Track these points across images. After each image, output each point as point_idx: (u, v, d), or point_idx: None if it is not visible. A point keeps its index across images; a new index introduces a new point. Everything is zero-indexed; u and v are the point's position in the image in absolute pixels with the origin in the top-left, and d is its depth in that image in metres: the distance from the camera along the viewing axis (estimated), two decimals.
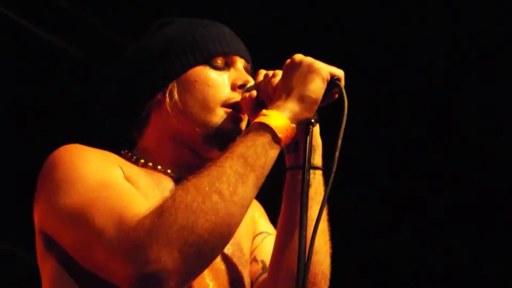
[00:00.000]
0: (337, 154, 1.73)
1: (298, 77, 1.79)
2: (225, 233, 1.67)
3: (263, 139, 1.73)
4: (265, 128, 1.74)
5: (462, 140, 4.59)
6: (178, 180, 1.90)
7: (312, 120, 1.80)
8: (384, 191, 4.76)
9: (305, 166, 1.77)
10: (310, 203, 1.76)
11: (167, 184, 1.91)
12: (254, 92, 1.89)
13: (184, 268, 1.62)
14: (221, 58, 1.98)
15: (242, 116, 1.95)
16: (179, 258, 1.61)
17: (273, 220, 2.00)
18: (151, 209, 1.65)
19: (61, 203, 1.73)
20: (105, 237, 1.66)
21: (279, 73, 1.85)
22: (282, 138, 1.74)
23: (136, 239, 1.62)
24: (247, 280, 1.94)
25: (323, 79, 1.79)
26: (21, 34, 3.78)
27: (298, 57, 1.82)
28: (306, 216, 1.73)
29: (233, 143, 1.74)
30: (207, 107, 1.93)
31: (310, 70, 1.79)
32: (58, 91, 3.94)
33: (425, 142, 4.65)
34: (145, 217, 1.64)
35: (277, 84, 1.83)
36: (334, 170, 1.73)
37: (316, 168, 1.88)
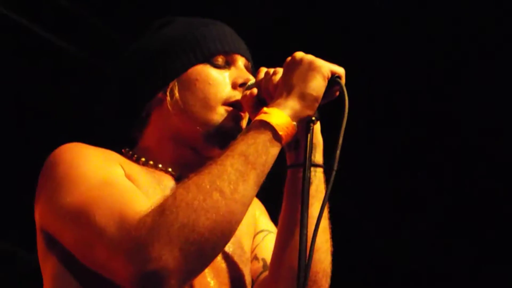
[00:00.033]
0: (338, 152, 1.73)
1: (299, 74, 1.79)
2: (226, 231, 1.66)
3: (264, 137, 1.73)
4: (266, 126, 1.74)
5: (462, 140, 4.59)
6: (179, 178, 1.90)
7: (313, 118, 1.80)
8: (384, 191, 4.76)
9: (306, 164, 1.77)
10: (311, 201, 1.76)
11: (168, 182, 1.91)
12: (255, 90, 1.89)
13: (185, 266, 1.62)
14: (221, 56, 1.98)
15: (243, 114, 1.95)
16: (180, 256, 1.61)
17: (274, 218, 2.00)
18: (152, 208, 1.65)
19: (62, 201, 1.74)
20: (106, 236, 1.65)
21: (280, 71, 1.85)
22: (283, 136, 1.74)
23: (137, 238, 1.62)
24: (248, 278, 1.94)
25: (323, 76, 1.79)
26: (21, 34, 3.78)
27: (299, 55, 1.83)
28: (307, 214, 1.72)
29: (234, 141, 1.74)
30: (208, 106, 1.93)
31: (311, 67, 1.79)
32: (59, 91, 3.94)
33: (425, 142, 4.65)
34: (146, 215, 1.64)
35: (278, 82, 1.83)
36: (335, 168, 1.73)
37: (317, 165, 1.88)
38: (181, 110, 1.94)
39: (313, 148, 1.84)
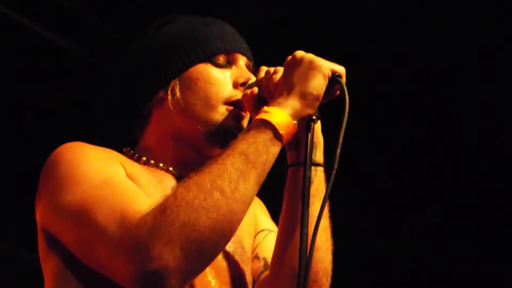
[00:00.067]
0: (338, 151, 1.73)
1: (300, 73, 1.79)
2: (227, 230, 1.66)
3: (265, 136, 1.73)
4: (267, 125, 1.74)
5: (462, 140, 4.59)
6: (180, 177, 1.90)
7: (314, 117, 1.80)
8: (384, 191, 4.76)
9: (306, 163, 1.77)
10: (312, 200, 1.76)
11: (169, 181, 1.91)
12: (256, 89, 1.89)
13: (186, 266, 1.62)
14: (223, 55, 1.98)
15: (244, 113, 1.95)
16: (181, 255, 1.61)
17: (275, 217, 2.00)
18: (153, 207, 1.65)
19: (63, 201, 1.74)
20: (107, 235, 1.65)
21: (281, 70, 1.85)
22: (284, 135, 1.74)
23: (138, 237, 1.62)
24: (249, 278, 1.94)
25: (324, 75, 1.79)
26: (21, 33, 3.78)
27: (299, 53, 1.83)
28: (308, 213, 1.72)
29: (234, 140, 1.74)
30: (209, 105, 1.93)
31: (312, 66, 1.79)
32: (59, 90, 3.94)
33: (425, 142, 4.65)
34: (147, 214, 1.64)
35: (279, 80, 1.83)
36: (335, 167, 1.73)
37: (317, 164, 1.88)
38: (182, 109, 1.94)
39: (314, 147, 1.84)
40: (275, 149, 1.74)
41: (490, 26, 4.17)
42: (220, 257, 1.87)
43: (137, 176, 1.84)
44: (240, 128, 1.92)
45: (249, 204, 1.71)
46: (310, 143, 1.78)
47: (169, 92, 1.95)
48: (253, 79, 1.94)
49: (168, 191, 1.76)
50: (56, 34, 3.85)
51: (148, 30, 2.06)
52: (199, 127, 1.93)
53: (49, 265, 1.82)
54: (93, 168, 1.77)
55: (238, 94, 1.94)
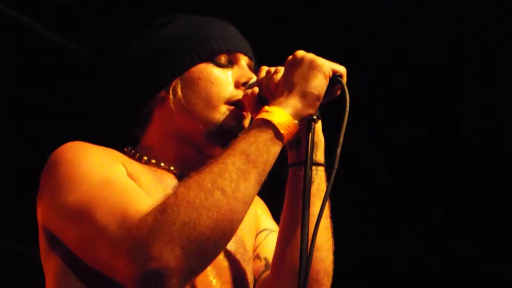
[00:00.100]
0: (338, 150, 1.73)
1: (300, 73, 1.79)
2: (227, 230, 1.66)
3: (265, 136, 1.73)
4: (267, 124, 1.74)
5: (462, 140, 4.59)
6: (181, 177, 1.90)
7: (314, 117, 1.80)
8: (384, 191, 4.76)
9: (307, 163, 1.77)
10: (312, 199, 1.76)
11: (170, 181, 1.92)
12: (256, 89, 1.89)
13: (187, 265, 1.62)
14: (224, 55, 1.99)
15: (245, 113, 1.95)
16: (182, 255, 1.61)
17: (276, 217, 2.01)
18: (154, 206, 1.65)
19: (64, 200, 1.74)
20: (108, 234, 1.66)
21: (281, 70, 1.85)
22: (284, 135, 1.74)
23: (139, 236, 1.62)
24: (250, 277, 1.94)
25: (325, 75, 1.79)
26: (22, 32, 3.78)
27: (300, 53, 1.83)
28: (308, 213, 1.73)
29: (235, 139, 1.74)
30: (210, 104, 1.93)
31: (312, 66, 1.79)
32: (60, 89, 3.94)
33: (425, 142, 4.65)
34: (148, 214, 1.64)
35: (279, 80, 1.83)
36: (336, 166, 1.73)
37: (318, 164, 1.88)
38: (184, 108, 1.94)
39: (315, 147, 1.85)
40: (276, 149, 1.74)
41: (490, 26, 4.17)
42: (221, 256, 1.87)
43: (138, 176, 1.84)
44: (241, 128, 1.92)
45: (250, 203, 1.71)
46: (310, 142, 1.78)
47: (170, 92, 1.95)
48: (254, 78, 1.94)
49: (169, 190, 1.76)
50: (56, 33, 3.85)
51: (149, 30, 2.06)
52: (200, 126, 1.93)
53: (50, 265, 1.82)
54: (94, 168, 1.77)
55: (239, 94, 1.95)
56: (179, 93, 1.95)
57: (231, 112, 1.94)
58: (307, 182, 1.75)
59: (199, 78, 1.95)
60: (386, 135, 4.60)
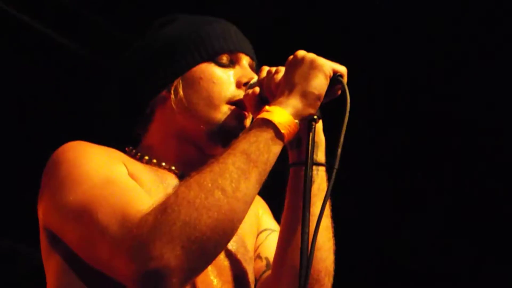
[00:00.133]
0: (339, 150, 1.73)
1: (301, 73, 1.79)
2: (228, 229, 1.66)
3: (266, 135, 1.73)
4: (268, 124, 1.74)
5: (462, 140, 4.59)
6: (182, 177, 1.89)
7: (315, 117, 1.80)
8: (384, 191, 4.76)
9: (308, 163, 1.77)
10: (313, 199, 1.76)
11: (171, 181, 1.92)
12: (257, 89, 1.89)
13: (187, 265, 1.62)
14: (226, 55, 1.99)
15: (247, 113, 1.95)
16: (182, 254, 1.61)
17: (277, 217, 2.00)
18: (154, 206, 1.66)
19: (65, 200, 1.74)
20: (109, 234, 1.66)
21: (282, 70, 1.85)
22: (285, 134, 1.74)
23: (139, 236, 1.62)
24: (251, 277, 1.94)
25: (325, 75, 1.79)
26: (22, 31, 3.77)
27: (301, 53, 1.83)
28: (309, 213, 1.72)
29: (236, 139, 1.74)
30: (212, 104, 1.93)
31: (313, 66, 1.79)
32: (61, 89, 3.94)
33: (425, 142, 4.65)
34: (148, 213, 1.64)
35: (280, 80, 1.83)
36: (336, 166, 1.73)
37: (319, 164, 1.88)
38: (185, 108, 1.94)
39: (315, 147, 1.85)
40: (276, 148, 1.74)
41: (490, 26, 4.17)
42: (222, 256, 1.87)
43: (139, 175, 1.84)
44: (242, 128, 1.92)
45: (250, 203, 1.71)
46: (311, 142, 1.78)
47: (172, 91, 1.95)
48: (255, 78, 1.94)
49: (170, 190, 1.75)
50: (56, 32, 3.85)
51: (150, 29, 2.06)
52: (201, 126, 1.93)
53: (51, 264, 1.83)
54: (94, 168, 1.77)
55: (241, 94, 1.95)
56: (181, 92, 1.95)
57: (233, 112, 1.94)
58: (308, 182, 1.75)
59: (201, 78, 1.95)
60: (386, 135, 4.60)
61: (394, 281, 5.04)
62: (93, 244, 1.68)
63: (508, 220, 4.76)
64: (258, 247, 2.03)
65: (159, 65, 1.98)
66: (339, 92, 1.83)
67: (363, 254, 4.81)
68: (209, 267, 1.79)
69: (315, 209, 1.75)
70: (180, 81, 1.96)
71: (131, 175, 1.81)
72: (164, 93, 1.97)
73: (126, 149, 2.00)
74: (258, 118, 1.76)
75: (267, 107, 1.77)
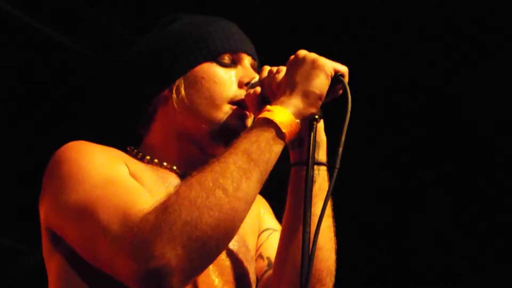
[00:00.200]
0: (340, 150, 1.73)
1: (302, 73, 1.79)
2: (229, 228, 1.66)
3: (267, 135, 1.73)
4: (269, 123, 1.74)
5: (462, 140, 4.59)
6: (183, 176, 1.89)
7: (316, 116, 1.80)
8: (384, 191, 4.77)
9: (309, 162, 1.76)
10: (315, 199, 1.76)
11: (173, 180, 1.91)
12: (258, 89, 1.89)
13: (188, 264, 1.62)
14: (228, 55, 1.99)
15: (248, 113, 1.95)
16: (183, 253, 1.61)
17: (278, 216, 2.00)
18: (155, 205, 1.65)
19: (67, 200, 1.74)
20: (110, 233, 1.66)
21: (283, 69, 1.85)
22: (286, 134, 1.74)
23: (140, 235, 1.62)
24: (252, 277, 1.94)
25: (327, 75, 1.79)
26: (21, 29, 3.77)
27: (302, 53, 1.83)
28: (310, 213, 1.72)
29: (237, 138, 1.74)
30: (214, 104, 1.93)
31: (314, 66, 1.79)
32: (62, 88, 3.93)
33: (425, 142, 4.65)
34: (149, 213, 1.64)
35: (281, 80, 1.83)
36: (337, 166, 1.73)
37: (320, 164, 1.88)
38: (187, 108, 1.94)
39: (317, 146, 1.84)
40: (277, 148, 1.74)
41: (490, 26, 4.17)
42: (223, 256, 1.87)
43: (141, 175, 1.84)
44: (244, 127, 1.91)
45: (252, 202, 1.70)
46: (312, 142, 1.78)
47: (173, 91, 1.95)
48: (256, 78, 1.94)
49: (172, 190, 1.75)
50: (56, 31, 3.85)
51: (152, 29, 2.06)
52: (203, 126, 1.93)
53: (53, 264, 1.82)
54: (96, 167, 1.77)
55: (242, 94, 1.95)
56: (183, 92, 1.95)
57: (234, 111, 1.94)
58: (309, 181, 1.74)
59: (203, 78, 1.95)
60: (387, 134, 4.60)
61: (394, 281, 5.04)
62: (94, 244, 1.68)
63: (508, 220, 4.76)
64: (259, 246, 2.03)
65: (160, 64, 1.98)
66: (340, 91, 1.83)
67: (364, 254, 4.81)
68: (210, 267, 1.79)
69: (317, 208, 1.75)
70: (182, 81, 1.96)
71: (133, 175, 1.81)
72: (165, 92, 1.97)
73: (128, 148, 2.00)
74: (259, 118, 1.76)
75: (268, 107, 1.77)
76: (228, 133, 1.90)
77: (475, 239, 4.85)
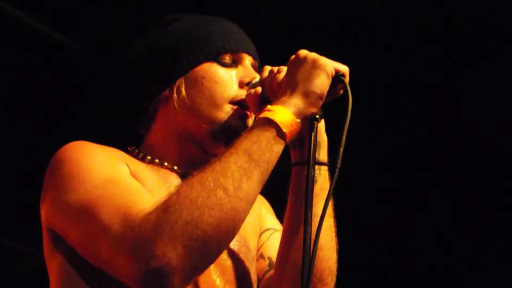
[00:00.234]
0: (341, 150, 1.73)
1: (303, 72, 1.79)
2: (230, 228, 1.66)
3: (268, 134, 1.73)
4: (270, 123, 1.74)
5: (462, 140, 4.59)
6: (184, 176, 1.89)
7: (317, 116, 1.80)
8: (384, 191, 4.76)
9: (310, 162, 1.76)
10: (316, 199, 1.76)
11: (174, 180, 1.92)
12: (259, 88, 1.90)
13: (189, 264, 1.62)
14: (229, 55, 1.99)
15: (249, 113, 1.95)
16: (184, 253, 1.61)
17: (280, 216, 2.00)
18: (156, 205, 1.65)
19: (68, 200, 1.74)
20: (111, 233, 1.66)
21: (284, 69, 1.85)
22: (287, 133, 1.74)
23: (141, 235, 1.62)
24: (253, 277, 1.94)
25: (327, 75, 1.79)
26: (21, 29, 3.77)
27: (303, 53, 1.83)
28: (311, 213, 1.72)
29: (237, 138, 1.74)
30: (215, 104, 1.93)
31: (315, 66, 1.79)
32: (62, 88, 3.93)
33: (425, 142, 4.65)
34: (150, 213, 1.64)
35: (282, 80, 1.83)
36: (338, 166, 1.73)
37: (321, 163, 1.88)
38: (188, 108, 1.94)
39: (318, 146, 1.85)
40: (278, 148, 1.74)
41: (490, 26, 4.17)
42: (224, 255, 1.87)
43: (142, 175, 1.84)
44: (245, 127, 1.91)
45: (252, 202, 1.70)
46: (313, 142, 1.78)
47: (174, 91, 1.96)
48: (257, 78, 1.94)
49: (173, 189, 1.75)
50: (56, 31, 3.85)
51: (152, 29, 2.06)
52: (204, 125, 1.93)
53: (54, 264, 1.83)
54: (97, 167, 1.77)
55: (243, 94, 1.95)
56: (183, 92, 1.95)
57: (235, 111, 1.94)
58: (310, 181, 1.74)
59: (204, 78, 1.95)
60: (387, 134, 4.60)
61: (394, 281, 5.04)
62: (95, 243, 1.68)
63: (508, 220, 4.76)
64: (260, 246, 2.03)
65: (161, 64, 1.98)
66: (341, 91, 1.83)
67: (364, 254, 4.81)
68: (212, 267, 1.79)
69: (318, 208, 1.75)
70: (183, 81, 1.96)
71: (133, 175, 1.82)
72: (166, 92, 1.97)
73: (129, 148, 2.00)
74: (260, 118, 1.76)
75: (269, 106, 1.77)
76: (229, 133, 1.90)
77: (475, 239, 4.85)
